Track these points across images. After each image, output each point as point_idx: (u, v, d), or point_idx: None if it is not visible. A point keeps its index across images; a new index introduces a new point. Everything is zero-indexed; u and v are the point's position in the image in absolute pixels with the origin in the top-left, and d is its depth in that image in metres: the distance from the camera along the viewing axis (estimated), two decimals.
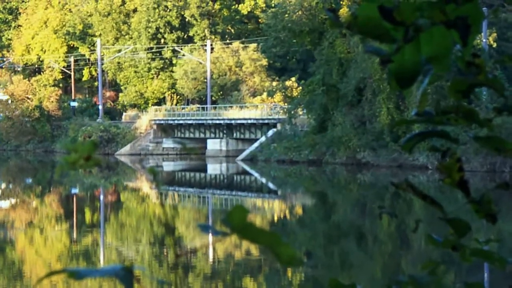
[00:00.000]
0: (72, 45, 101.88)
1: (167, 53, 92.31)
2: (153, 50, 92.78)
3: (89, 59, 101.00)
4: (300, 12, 64.87)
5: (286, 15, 66.61)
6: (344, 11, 56.89)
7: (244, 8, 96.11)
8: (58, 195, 47.15)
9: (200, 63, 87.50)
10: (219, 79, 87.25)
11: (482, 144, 1.84)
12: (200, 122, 77.43)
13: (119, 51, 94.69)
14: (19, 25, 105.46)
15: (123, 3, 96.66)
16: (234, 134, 75.31)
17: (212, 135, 77.25)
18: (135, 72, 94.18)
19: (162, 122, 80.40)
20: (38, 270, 22.09)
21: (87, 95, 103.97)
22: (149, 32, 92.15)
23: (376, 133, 55.71)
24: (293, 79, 76.13)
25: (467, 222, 1.97)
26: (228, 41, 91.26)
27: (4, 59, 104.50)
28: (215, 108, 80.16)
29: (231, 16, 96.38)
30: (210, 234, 1.62)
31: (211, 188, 52.01)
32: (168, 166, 69.18)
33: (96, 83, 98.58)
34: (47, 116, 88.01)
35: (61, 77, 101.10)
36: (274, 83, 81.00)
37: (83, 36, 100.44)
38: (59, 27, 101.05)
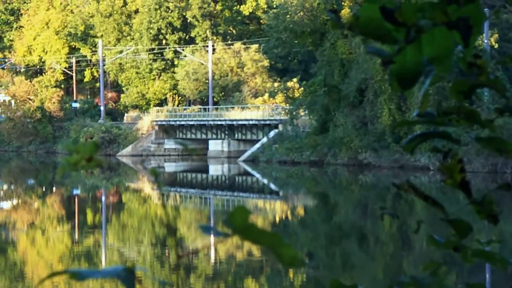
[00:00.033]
0: (73, 46, 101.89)
1: (168, 54, 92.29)
2: (154, 51, 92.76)
3: (90, 60, 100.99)
4: (301, 13, 64.89)
5: (288, 16, 66.62)
6: (345, 12, 56.85)
7: (246, 9, 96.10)
8: (60, 196, 47.18)
9: (202, 64, 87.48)
10: (220, 80, 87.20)
11: (484, 145, 1.84)
12: (201, 123, 77.39)
13: (121, 52, 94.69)
14: (21, 26, 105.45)
15: (125, 4, 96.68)
16: (236, 135, 75.27)
17: (214, 136, 77.20)
18: (137, 73, 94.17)
19: (163, 123, 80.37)
20: (40, 271, 22.10)
21: (88, 96, 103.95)
22: (150, 33, 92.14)
23: (378, 134, 55.69)
24: (295, 80, 76.06)
25: (468, 223, 1.97)
26: (229, 42, 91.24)
27: (6, 60, 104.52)
28: (216, 109, 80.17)
29: (233, 17, 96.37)
30: (212, 235, 1.62)
31: (213, 189, 52.02)
32: (169, 167, 69.18)
33: (97, 84, 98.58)
34: (48, 117, 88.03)
35: (62, 78, 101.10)
36: (276, 84, 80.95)
37: (85, 37, 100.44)
38: (60, 28, 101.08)
